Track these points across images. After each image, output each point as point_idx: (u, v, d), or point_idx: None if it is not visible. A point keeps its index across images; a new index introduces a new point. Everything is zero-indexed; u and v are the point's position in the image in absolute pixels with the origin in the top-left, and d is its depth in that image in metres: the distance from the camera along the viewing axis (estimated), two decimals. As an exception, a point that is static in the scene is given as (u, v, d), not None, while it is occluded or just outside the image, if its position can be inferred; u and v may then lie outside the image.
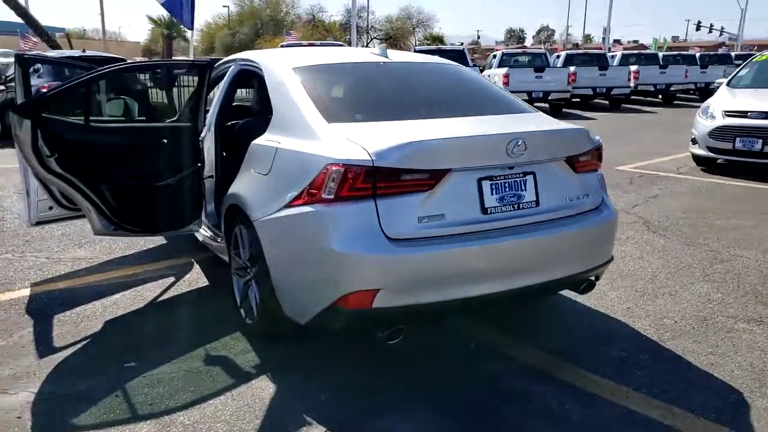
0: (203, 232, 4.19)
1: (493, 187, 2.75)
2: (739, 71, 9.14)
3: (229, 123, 4.25)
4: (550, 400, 2.69)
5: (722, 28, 53.29)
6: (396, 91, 3.41)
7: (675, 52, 23.76)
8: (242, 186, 3.18)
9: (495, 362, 3.03)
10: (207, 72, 3.85)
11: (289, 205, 2.76)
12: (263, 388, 2.79)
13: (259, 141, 3.17)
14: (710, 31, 53.10)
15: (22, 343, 3.25)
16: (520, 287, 2.80)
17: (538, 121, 3.10)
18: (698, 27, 51.95)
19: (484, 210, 2.72)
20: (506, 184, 2.78)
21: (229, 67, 4.13)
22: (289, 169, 2.84)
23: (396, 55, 3.88)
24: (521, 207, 2.81)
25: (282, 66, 3.40)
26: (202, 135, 3.80)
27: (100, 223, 3.73)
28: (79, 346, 3.24)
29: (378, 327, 2.63)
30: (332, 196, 2.57)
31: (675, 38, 75.50)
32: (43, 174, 3.47)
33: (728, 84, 8.93)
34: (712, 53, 26.21)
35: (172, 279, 4.23)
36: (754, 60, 9.31)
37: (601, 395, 2.74)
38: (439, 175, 2.62)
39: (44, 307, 3.72)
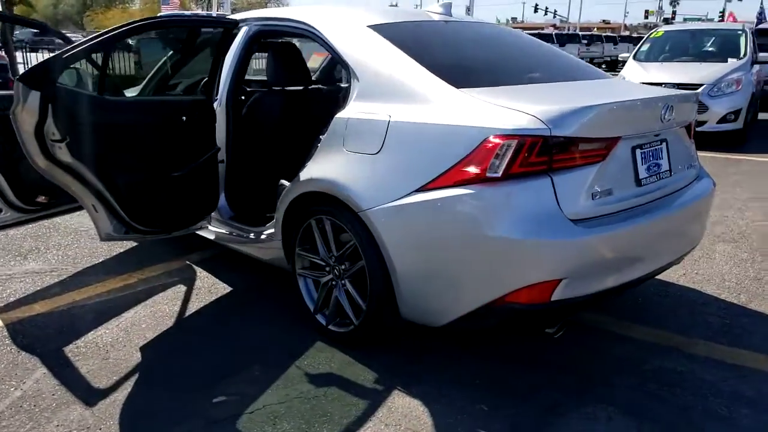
0: (215, 229, 3.54)
1: (643, 156, 2.52)
2: (640, 47, 9.76)
3: (242, 97, 3.59)
4: (706, 376, 2.54)
5: (555, 11, 58.67)
6: (489, 53, 3.05)
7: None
8: (332, 169, 2.64)
9: (620, 346, 2.83)
10: (231, 33, 3.20)
11: (423, 189, 2.31)
12: (409, 407, 2.35)
13: (349, 114, 2.65)
14: (545, 14, 57.75)
15: (45, 389, 2.47)
16: (657, 267, 2.62)
17: (640, 86, 2.91)
18: (536, 9, 56.02)
19: (638, 182, 2.48)
20: (651, 153, 2.56)
21: (236, 29, 3.47)
22: (417, 145, 2.37)
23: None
24: (660, 177, 2.61)
25: (355, 25, 2.87)
26: None
27: (110, 225, 2.97)
28: (129, 383, 2.53)
29: (548, 322, 2.29)
30: (500, 174, 2.18)
31: (514, 19, 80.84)
32: (43, 165, 2.65)
33: (634, 58, 9.50)
34: (564, 32, 28.30)
35: (180, 287, 3.53)
36: (651, 36, 10.01)
37: (747, 365, 2.65)
38: (611, 144, 2.33)
39: (40, 339, 2.89)
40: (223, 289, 3.49)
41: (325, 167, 2.68)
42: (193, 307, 3.27)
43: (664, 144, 2.64)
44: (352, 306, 2.72)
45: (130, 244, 4.22)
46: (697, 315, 3.15)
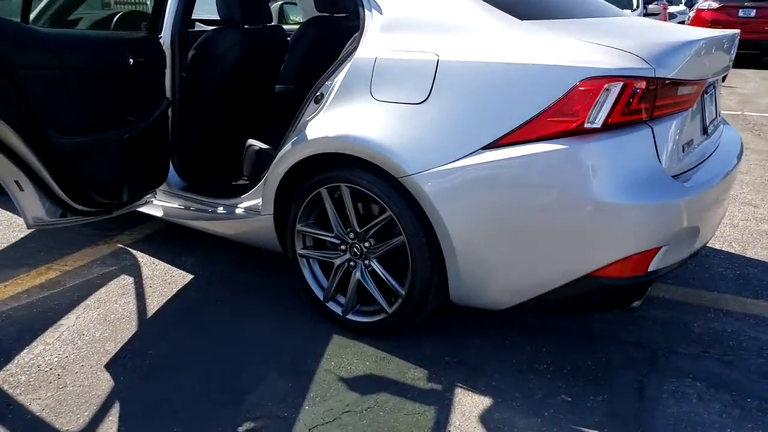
0: (164, 203, 2.86)
1: (706, 101, 2.26)
2: None
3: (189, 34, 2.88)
4: (758, 334, 2.41)
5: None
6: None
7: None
8: (356, 124, 2.10)
9: (656, 308, 2.63)
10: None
11: (494, 146, 1.87)
12: (484, 408, 1.95)
13: (376, 52, 2.11)
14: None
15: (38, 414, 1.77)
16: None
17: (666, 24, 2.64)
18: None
19: (704, 130, 2.23)
20: (710, 97, 2.32)
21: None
22: (482, 91, 1.91)
23: None
24: (714, 125, 2.38)
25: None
26: None
27: (41, 207, 2.22)
28: (111, 420, 1.89)
29: (634, 296, 1.99)
30: (599, 125, 1.80)
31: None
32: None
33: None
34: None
35: (124, 278, 2.82)
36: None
37: (786, 320, 2.56)
38: (699, 87, 2.02)
39: (-43, 367, 2.12)
40: (181, 277, 2.83)
41: (344, 122, 2.14)
42: (154, 303, 2.60)
43: (714, 89, 2.40)
44: (382, 291, 2.25)
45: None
46: (708, 268, 3.04)
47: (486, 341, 2.32)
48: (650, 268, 1.91)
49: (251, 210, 2.57)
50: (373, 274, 2.27)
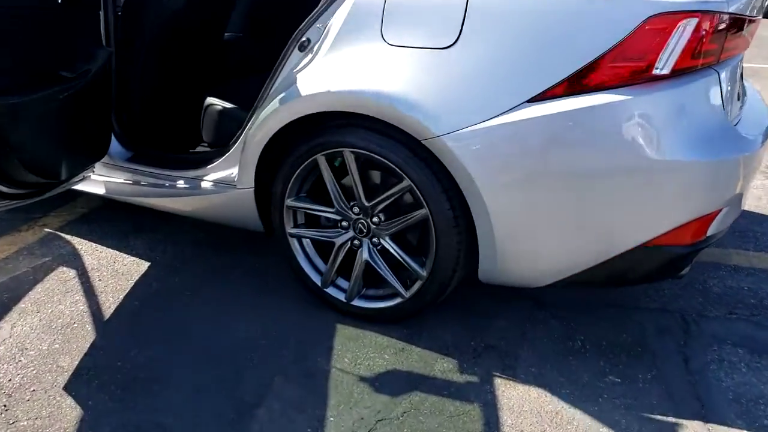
0: (106, 178, 2.40)
1: (740, 43, 2.06)
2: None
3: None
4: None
5: None
6: None
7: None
8: (365, 75, 1.74)
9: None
10: None
11: (540, 98, 1.58)
12: (535, 402, 1.72)
13: (386, -11, 1.74)
14: None
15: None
16: None
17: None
18: None
19: (740, 76, 2.03)
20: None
21: None
22: (524, 32, 1.60)
23: None
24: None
25: None
26: None
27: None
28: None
29: (686, 264, 1.80)
30: (668, 71, 1.54)
31: None
32: None
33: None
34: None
35: (64, 270, 2.34)
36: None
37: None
38: (755, 27, 1.80)
39: None
40: (134, 265, 2.38)
41: (348, 73, 1.76)
42: (108, 300, 2.15)
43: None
44: (395, 272, 1.94)
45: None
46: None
47: (507, 320, 2.07)
48: (708, 233, 1.71)
49: (223, 183, 2.15)
50: (384, 253, 1.95)
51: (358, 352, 1.90)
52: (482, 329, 2.02)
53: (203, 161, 2.23)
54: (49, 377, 1.77)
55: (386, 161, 1.78)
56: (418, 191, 1.77)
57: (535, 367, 1.86)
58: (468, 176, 1.66)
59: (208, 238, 2.56)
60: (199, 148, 2.69)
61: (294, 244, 2.07)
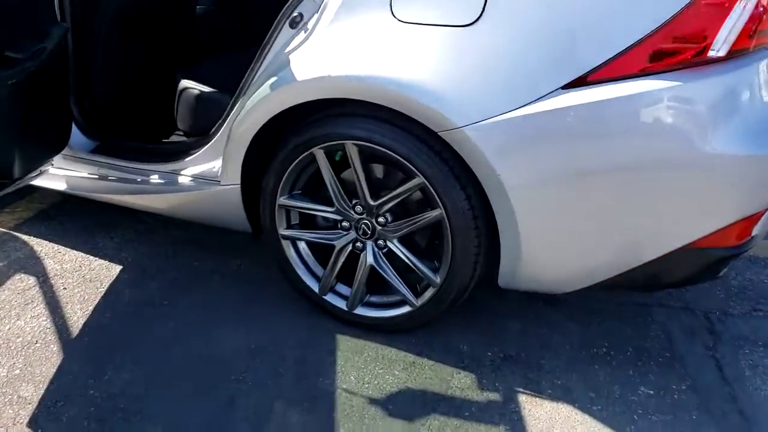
0: (68, 172, 2.13)
1: None
2: None
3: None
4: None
5: None
6: None
7: None
8: (371, 57, 1.51)
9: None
10: None
11: (578, 84, 1.38)
12: (577, 421, 1.55)
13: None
14: None
15: None
16: None
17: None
18: None
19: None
20: None
21: None
22: (560, 4, 1.39)
23: None
24: None
25: None
26: None
27: None
28: None
29: (724, 266, 1.63)
30: (724, 53, 1.35)
31: None
32: None
33: None
34: None
35: (22, 278, 2.07)
36: None
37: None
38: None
39: None
40: (104, 269, 2.12)
41: (352, 54, 1.53)
42: (76, 313, 1.90)
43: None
44: (403, 278, 1.74)
45: None
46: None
47: (522, 324, 1.90)
48: (753, 233, 1.55)
49: (204, 178, 1.90)
50: (390, 256, 1.74)
51: (364, 368, 1.70)
52: (497, 336, 1.84)
53: (180, 153, 1.98)
54: (10, 412, 1.53)
55: (395, 155, 1.56)
56: (432, 189, 1.56)
57: (561, 379, 1.69)
58: (492, 173, 1.46)
59: (185, 236, 2.31)
60: (174, 138, 2.42)
61: (287, 247, 1.85)
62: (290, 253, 1.85)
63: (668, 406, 1.60)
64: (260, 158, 1.78)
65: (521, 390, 1.65)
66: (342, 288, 1.85)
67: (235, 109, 1.77)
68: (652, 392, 1.65)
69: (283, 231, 1.83)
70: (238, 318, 1.88)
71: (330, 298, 1.85)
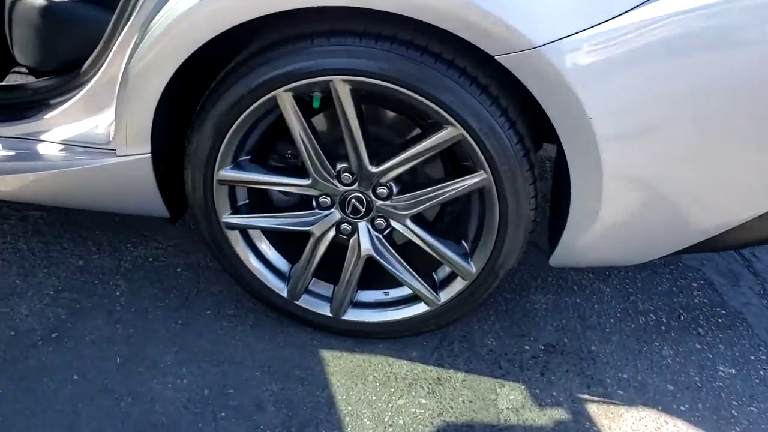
0: None
1: None
2: None
3: None
4: None
5: None
6: None
7: None
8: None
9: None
10: None
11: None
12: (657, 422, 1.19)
13: None
14: None
15: None
16: None
17: None
18: None
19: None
20: None
21: None
22: None
23: None
24: None
25: None
26: None
27: None
28: None
29: None
30: None
31: None
32: None
33: None
34: None
35: None
36: None
37: None
38: None
39: None
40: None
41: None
42: None
43: None
44: (418, 270, 1.22)
45: None
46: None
47: (546, 299, 1.48)
48: None
49: (83, 145, 1.20)
50: (389, 239, 1.21)
51: (377, 402, 1.20)
52: (524, 320, 1.42)
53: (31, 105, 1.25)
54: None
55: (416, 96, 0.99)
56: (475, 145, 1.03)
57: (624, 371, 1.31)
58: (578, 113, 0.95)
59: (63, 231, 1.59)
60: (13, 78, 1.60)
61: (235, 239, 1.24)
62: (240, 247, 1.25)
63: (757, 389, 1.29)
64: (177, 111, 1.13)
65: (586, 396, 1.25)
66: (319, 286, 1.30)
67: (126, 29, 1.07)
68: (733, 371, 1.33)
69: (227, 218, 1.21)
70: (171, 342, 1.28)
71: (305, 302, 1.29)
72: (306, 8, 0.95)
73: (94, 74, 1.17)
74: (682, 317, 1.46)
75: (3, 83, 1.52)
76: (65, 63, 1.29)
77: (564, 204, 1.09)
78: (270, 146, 1.21)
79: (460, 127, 1.01)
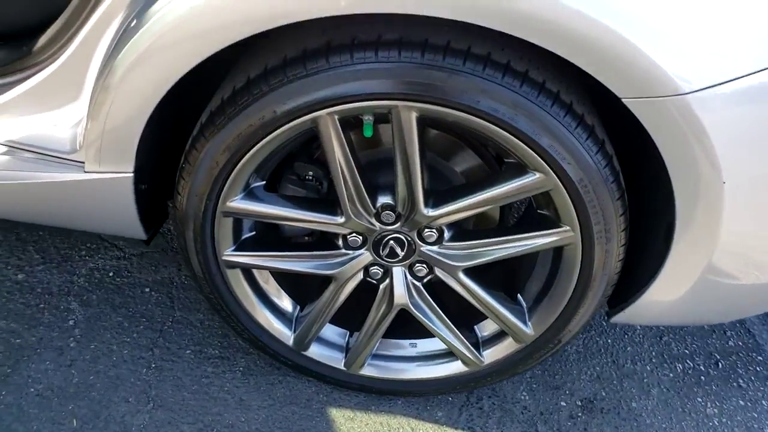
0: None
1: None
2: None
3: None
4: None
5: None
6: None
7: None
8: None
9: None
10: None
11: None
12: None
13: None
14: None
15: None
16: None
17: None
18: None
19: None
20: None
21: None
22: None
23: None
24: None
25: None
26: None
27: None
28: None
29: None
30: None
31: None
32: None
33: None
34: None
35: None
36: None
37: None
38: None
39: None
40: None
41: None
42: None
43: None
44: (456, 323, 1.01)
45: None
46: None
47: (584, 352, 1.31)
48: None
49: (39, 152, 0.90)
50: (428, 288, 0.99)
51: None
52: (555, 370, 1.24)
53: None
54: None
55: (505, 133, 0.76)
56: (568, 197, 0.81)
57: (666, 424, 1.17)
58: (711, 167, 0.75)
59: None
60: None
61: (235, 278, 0.98)
62: (240, 287, 0.99)
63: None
64: (171, 120, 0.85)
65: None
66: (329, 331, 1.07)
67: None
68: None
69: (229, 255, 0.94)
70: (140, 409, 1.03)
71: (314, 353, 1.06)
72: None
73: (56, 54, 0.86)
74: (719, 364, 1.33)
75: None
76: (13, 27, 0.96)
77: (651, 257, 0.90)
78: (286, 165, 0.95)
79: (554, 176, 0.79)
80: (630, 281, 0.97)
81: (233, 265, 0.96)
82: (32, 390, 1.02)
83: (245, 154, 0.82)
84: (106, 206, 0.92)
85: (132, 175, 0.86)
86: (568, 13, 0.65)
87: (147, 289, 1.22)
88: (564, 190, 0.80)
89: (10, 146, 0.90)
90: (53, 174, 0.88)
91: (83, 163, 0.87)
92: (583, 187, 0.80)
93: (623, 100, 0.71)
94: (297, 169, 0.95)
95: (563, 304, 0.93)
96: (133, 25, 0.76)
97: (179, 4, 0.71)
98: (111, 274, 1.24)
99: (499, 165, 0.94)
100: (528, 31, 0.67)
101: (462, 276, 0.94)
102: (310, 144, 0.94)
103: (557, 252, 0.91)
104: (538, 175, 0.80)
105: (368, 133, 0.81)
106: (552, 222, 0.87)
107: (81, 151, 0.86)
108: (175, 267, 1.26)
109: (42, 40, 0.87)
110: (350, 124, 0.82)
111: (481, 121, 0.76)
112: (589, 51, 0.67)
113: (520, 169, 0.82)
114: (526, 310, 0.98)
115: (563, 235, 0.86)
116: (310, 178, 0.96)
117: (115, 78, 0.77)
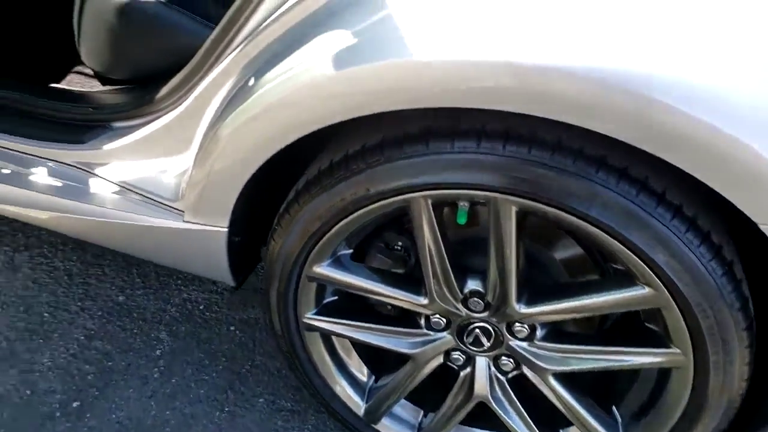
0: None
1: None
2: None
3: None
4: None
5: None
6: None
7: None
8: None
9: None
10: None
11: None
12: None
13: None
14: None
15: None
16: None
17: None
18: None
19: None
20: None
21: None
22: None
23: None
24: None
25: None
26: None
27: None
28: None
29: None
30: None
31: None
32: None
33: None
34: None
35: None
36: None
37: None
38: None
39: None
40: None
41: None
42: None
43: None
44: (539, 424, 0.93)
45: None
46: None
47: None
48: None
49: (147, 196, 0.94)
50: (512, 384, 0.92)
51: None
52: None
53: (91, 127, 0.98)
54: None
55: (617, 243, 0.69)
56: (683, 321, 0.72)
57: None
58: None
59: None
60: (75, 80, 1.32)
61: (313, 341, 0.96)
62: (317, 350, 0.97)
63: None
64: (267, 181, 0.85)
65: None
66: (403, 408, 1.02)
67: (231, 58, 0.79)
68: None
69: (310, 318, 0.93)
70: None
71: (385, 426, 1.02)
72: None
73: (175, 104, 0.89)
74: None
75: (61, 86, 1.25)
76: (139, 74, 1.02)
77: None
78: (376, 233, 0.92)
79: (667, 294, 0.70)
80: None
81: (312, 329, 0.94)
82: (113, 416, 1.06)
83: (336, 224, 0.80)
84: (200, 253, 0.93)
85: (227, 229, 0.87)
86: (725, 139, 0.57)
87: (232, 328, 1.24)
88: (678, 311, 0.71)
89: (123, 187, 0.95)
90: (155, 219, 0.91)
91: (183, 212, 0.89)
92: (701, 312, 0.70)
93: (761, 226, 0.62)
94: (387, 238, 0.92)
95: (670, 426, 0.82)
96: (239, 89, 0.77)
97: (286, 82, 0.71)
98: (201, 307, 1.27)
99: (603, 259, 0.85)
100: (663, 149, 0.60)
101: (552, 380, 0.86)
102: (402, 215, 0.91)
103: (665, 369, 0.81)
104: (648, 289, 0.72)
105: (462, 220, 0.77)
106: (661, 340, 0.77)
107: (182, 200, 0.89)
108: (263, 309, 1.27)
109: (164, 89, 0.91)
110: (444, 203, 0.78)
111: (589, 227, 0.69)
112: (726, 171, 0.59)
113: (629, 278, 0.73)
114: (620, 426, 0.88)
115: (673, 357, 0.76)
116: (399, 248, 0.92)
117: (215, 144, 0.78)
